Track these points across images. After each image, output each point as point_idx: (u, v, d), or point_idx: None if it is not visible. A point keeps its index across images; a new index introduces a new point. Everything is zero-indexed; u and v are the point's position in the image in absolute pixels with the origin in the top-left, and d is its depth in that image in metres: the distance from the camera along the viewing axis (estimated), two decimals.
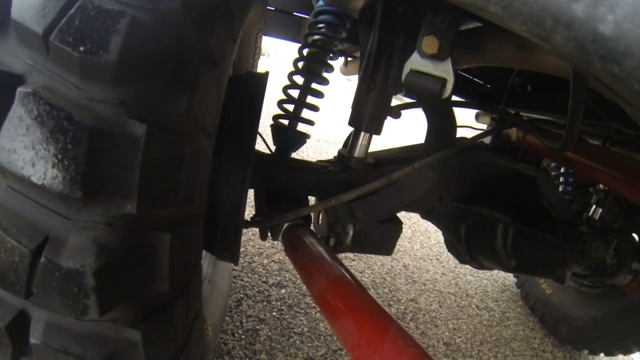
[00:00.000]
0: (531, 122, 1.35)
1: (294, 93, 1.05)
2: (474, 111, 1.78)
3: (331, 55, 1.06)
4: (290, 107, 1.05)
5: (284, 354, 1.33)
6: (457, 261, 1.52)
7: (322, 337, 1.48)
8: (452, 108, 1.01)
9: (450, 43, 0.64)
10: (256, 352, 1.30)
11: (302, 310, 1.57)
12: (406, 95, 1.10)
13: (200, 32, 0.49)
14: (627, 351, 1.88)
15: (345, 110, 1.06)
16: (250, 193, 1.04)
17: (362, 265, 2.09)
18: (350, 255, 2.13)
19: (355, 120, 0.93)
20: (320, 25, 1.03)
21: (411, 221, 3.00)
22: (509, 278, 2.63)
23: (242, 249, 1.79)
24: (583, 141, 1.33)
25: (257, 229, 1.65)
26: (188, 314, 0.62)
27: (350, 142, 0.99)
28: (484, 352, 1.81)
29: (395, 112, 0.98)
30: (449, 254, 1.37)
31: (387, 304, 1.87)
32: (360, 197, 0.90)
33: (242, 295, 1.52)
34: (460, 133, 1.08)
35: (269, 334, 1.39)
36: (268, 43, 9.44)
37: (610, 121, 1.01)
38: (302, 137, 1.05)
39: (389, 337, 0.66)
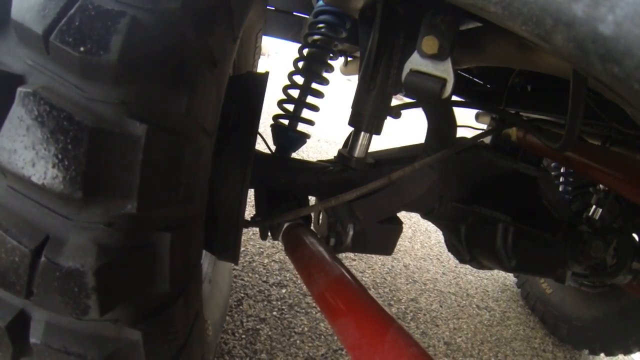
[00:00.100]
0: (531, 122, 1.35)
1: (294, 93, 1.05)
2: (474, 111, 1.78)
3: (331, 55, 1.06)
4: (290, 107, 1.05)
5: (285, 354, 1.33)
6: (457, 261, 1.52)
7: (322, 336, 1.48)
8: (452, 108, 1.01)
9: (450, 43, 0.64)
10: (257, 351, 1.30)
11: (303, 310, 1.57)
12: (406, 95, 1.11)
13: (200, 32, 0.49)
14: (627, 351, 1.88)
15: (345, 110, 1.06)
16: (251, 193, 1.04)
17: (362, 265, 2.09)
18: (351, 255, 2.13)
19: (355, 120, 0.93)
20: (320, 25, 1.03)
21: (411, 221, 3.00)
22: (510, 278, 2.63)
23: (242, 249, 1.79)
24: (583, 141, 1.33)
25: (257, 229, 1.65)
26: (188, 313, 0.62)
27: (350, 142, 0.99)
28: (485, 352, 1.81)
29: (395, 112, 0.98)
30: (450, 253, 1.37)
31: (388, 303, 1.87)
32: (360, 197, 0.89)
33: (242, 295, 1.52)
34: (461, 133, 1.08)
35: (270, 333, 1.39)
36: (268, 43, 9.44)
37: (610, 121, 1.01)
38: (302, 137, 1.05)
39: (389, 336, 0.66)
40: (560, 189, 1.79)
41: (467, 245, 1.22)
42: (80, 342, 0.48)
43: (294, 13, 1.42)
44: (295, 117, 1.05)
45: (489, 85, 1.56)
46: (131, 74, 0.42)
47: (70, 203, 0.42)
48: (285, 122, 1.05)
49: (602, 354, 1.96)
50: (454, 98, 1.19)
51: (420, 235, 2.82)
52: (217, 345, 1.13)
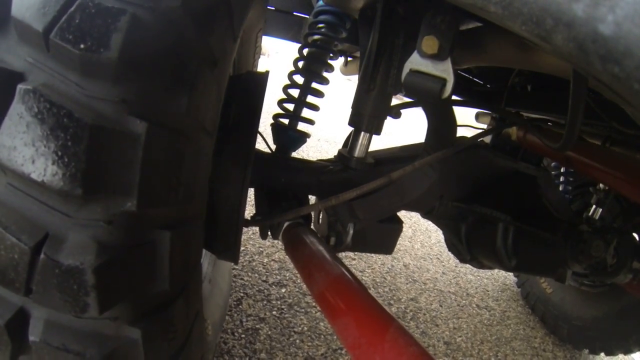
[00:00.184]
0: (531, 122, 1.35)
1: (294, 92, 1.05)
2: (474, 110, 1.78)
3: (331, 55, 1.06)
4: (290, 107, 1.05)
5: (284, 353, 1.34)
6: (457, 260, 1.52)
7: (322, 336, 1.48)
8: (452, 107, 1.01)
9: (450, 43, 0.64)
10: (256, 351, 1.30)
11: (302, 309, 1.57)
12: (406, 95, 1.10)
13: (200, 31, 0.49)
14: (628, 350, 1.88)
15: (345, 109, 1.06)
16: (251, 192, 1.04)
17: (362, 265, 2.09)
18: (351, 254, 2.13)
19: (355, 120, 0.93)
20: (320, 25, 1.03)
21: (412, 220, 3.00)
22: (510, 277, 2.63)
23: (242, 248, 1.79)
24: (583, 141, 1.33)
25: (257, 228, 1.65)
26: (188, 312, 0.62)
27: (350, 142, 0.99)
28: (485, 352, 1.81)
29: (395, 112, 0.98)
30: (450, 253, 1.37)
31: (388, 303, 1.87)
32: (360, 196, 0.89)
33: (242, 294, 1.52)
34: (461, 132, 1.08)
35: (269, 333, 1.39)
36: (268, 43, 9.44)
37: (610, 121, 1.01)
38: (303, 137, 1.05)
39: (389, 336, 0.66)
40: (561, 188, 1.79)
41: (467, 244, 1.22)
42: (79, 340, 0.48)
43: (294, 13, 1.42)
44: (295, 116, 1.05)
45: (489, 85, 1.56)
46: (131, 72, 0.42)
47: (70, 200, 0.42)
48: (286, 121, 1.05)
49: (602, 354, 1.96)
50: (454, 97, 1.19)
51: (420, 234, 2.82)
52: (216, 344, 1.13)
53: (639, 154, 1.18)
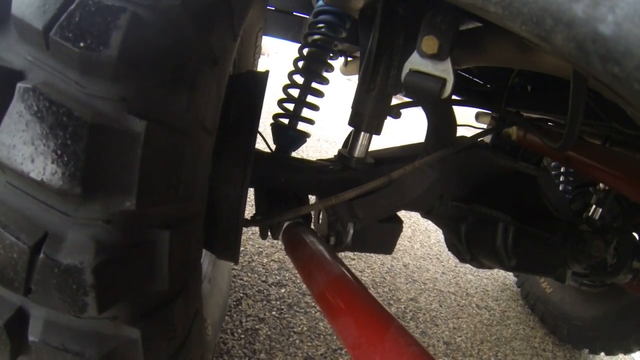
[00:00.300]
0: (531, 122, 1.35)
1: (294, 92, 1.05)
2: (474, 110, 1.78)
3: (331, 55, 1.06)
4: (290, 106, 1.05)
5: (284, 353, 1.33)
6: (457, 260, 1.52)
7: (322, 336, 1.48)
8: (452, 107, 1.01)
9: (450, 43, 0.64)
10: (256, 351, 1.30)
11: (302, 310, 1.57)
12: (406, 95, 1.11)
13: (200, 30, 0.49)
14: (628, 350, 1.88)
15: (345, 109, 1.06)
16: (250, 192, 1.04)
17: (362, 264, 2.09)
18: (351, 254, 2.13)
19: (355, 120, 0.93)
20: (320, 25, 1.03)
21: (411, 220, 3.00)
22: (509, 277, 2.63)
23: (241, 248, 1.79)
24: (583, 141, 1.33)
25: (257, 228, 1.65)
26: (188, 312, 0.62)
27: (350, 142, 0.99)
28: (484, 351, 1.81)
29: (395, 112, 0.98)
30: (449, 253, 1.37)
31: (387, 303, 1.87)
32: (360, 196, 0.89)
33: (241, 295, 1.52)
34: (461, 132, 1.08)
35: (269, 333, 1.39)
36: (268, 42, 9.44)
37: (610, 121, 1.01)
38: (302, 136, 1.05)
39: (389, 336, 0.66)
40: (561, 188, 1.79)
41: (467, 244, 1.22)
42: (78, 340, 0.48)
43: (294, 13, 1.42)
44: (295, 116, 1.05)
45: (489, 85, 1.56)
46: (131, 70, 0.42)
47: (69, 199, 0.42)
48: (286, 121, 1.05)
49: (602, 354, 1.96)
50: (454, 97, 1.19)
51: (419, 234, 2.82)
52: (216, 344, 1.13)
53: (639, 154, 1.18)
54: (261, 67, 1.57)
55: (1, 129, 0.40)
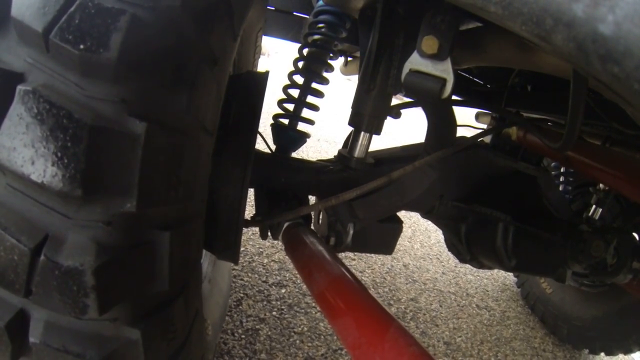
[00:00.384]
0: (531, 122, 1.35)
1: (294, 92, 1.05)
2: (474, 110, 1.78)
3: (331, 55, 1.06)
4: (290, 107, 1.05)
5: (284, 354, 1.33)
6: (457, 260, 1.52)
7: (322, 336, 1.48)
8: (452, 107, 1.01)
9: (450, 43, 0.64)
10: (256, 351, 1.30)
11: (302, 310, 1.57)
12: (406, 95, 1.11)
13: (200, 30, 0.49)
14: (628, 350, 1.88)
15: (345, 109, 1.06)
16: (251, 192, 1.04)
17: (362, 265, 2.09)
18: (351, 254, 2.13)
19: (355, 120, 0.93)
20: (320, 25, 1.03)
21: (411, 220, 2.99)
22: (509, 277, 2.63)
23: (242, 249, 1.79)
24: (583, 141, 1.33)
25: (257, 229, 1.65)
26: (188, 313, 0.62)
27: (350, 142, 0.99)
28: (484, 352, 1.81)
29: (395, 112, 0.98)
30: (449, 253, 1.37)
31: (388, 303, 1.87)
32: (360, 196, 0.89)
33: (242, 295, 1.52)
34: (461, 132, 1.08)
35: (269, 333, 1.39)
36: (268, 43, 9.44)
37: (610, 121, 1.01)
38: (302, 137, 1.05)
39: (389, 336, 0.66)
40: (561, 188, 1.79)
41: (467, 244, 1.22)
42: (79, 341, 0.48)
43: (294, 13, 1.42)
44: (295, 116, 1.05)
45: (489, 85, 1.56)
46: (131, 72, 0.42)
47: (70, 201, 0.42)
48: (286, 121, 1.05)
49: (602, 354, 1.96)
50: (454, 97, 1.19)
51: (419, 234, 2.82)
52: (216, 344, 1.13)
53: (639, 154, 1.18)
54: (261, 67, 1.57)
55: (1, 131, 0.40)
